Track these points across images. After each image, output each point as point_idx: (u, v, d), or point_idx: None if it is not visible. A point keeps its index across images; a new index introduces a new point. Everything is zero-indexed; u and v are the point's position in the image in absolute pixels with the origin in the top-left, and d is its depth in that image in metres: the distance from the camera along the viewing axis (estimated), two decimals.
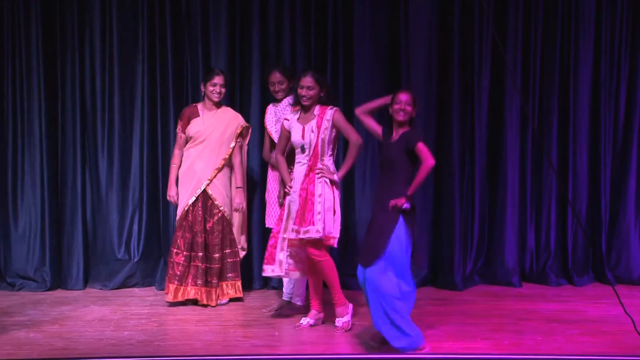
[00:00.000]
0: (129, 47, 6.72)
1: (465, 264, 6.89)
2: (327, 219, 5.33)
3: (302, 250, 5.47)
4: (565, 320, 5.74)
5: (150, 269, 6.78)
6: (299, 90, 5.46)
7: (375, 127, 5.23)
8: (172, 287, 6.10)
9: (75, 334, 5.36)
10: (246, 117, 6.52)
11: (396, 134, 5.05)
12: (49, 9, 6.62)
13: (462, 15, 6.78)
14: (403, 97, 5.02)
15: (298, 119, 5.52)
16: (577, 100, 6.96)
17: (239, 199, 6.15)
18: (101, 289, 6.65)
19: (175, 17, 6.70)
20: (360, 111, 5.29)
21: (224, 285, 6.17)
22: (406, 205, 4.86)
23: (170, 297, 6.09)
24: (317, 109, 5.47)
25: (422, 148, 4.90)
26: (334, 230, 5.38)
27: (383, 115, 5.26)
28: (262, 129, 6.32)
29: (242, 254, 6.30)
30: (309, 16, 6.75)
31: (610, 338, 5.29)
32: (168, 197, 6.20)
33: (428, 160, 4.87)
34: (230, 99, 6.64)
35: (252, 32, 6.70)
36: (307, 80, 5.42)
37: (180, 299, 6.09)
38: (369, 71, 6.75)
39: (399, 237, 4.87)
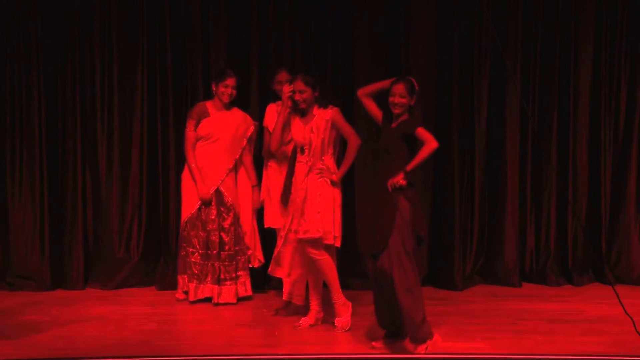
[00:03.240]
0: (128, 46, 6.71)
1: (465, 264, 6.90)
2: (326, 219, 5.34)
3: (302, 249, 5.48)
4: (565, 320, 5.74)
5: (150, 269, 6.78)
6: (293, 95, 5.46)
7: (376, 111, 5.17)
8: (192, 286, 6.15)
9: (75, 334, 5.37)
10: None
11: (395, 122, 5.02)
12: (49, 9, 6.61)
13: (462, 15, 6.77)
14: (397, 89, 4.96)
15: (300, 119, 5.52)
16: (577, 100, 6.96)
17: (257, 197, 6.21)
18: (101, 289, 6.65)
19: (175, 17, 6.70)
20: (361, 93, 5.24)
21: (236, 284, 6.20)
22: (403, 182, 4.82)
23: (191, 297, 6.14)
24: (316, 110, 5.47)
25: (423, 132, 4.87)
26: (334, 230, 5.38)
27: (381, 103, 5.21)
28: (260, 128, 6.33)
29: (258, 264, 6.32)
30: (309, 16, 6.75)
31: (610, 338, 5.29)
32: (204, 197, 6.09)
33: (432, 142, 4.84)
34: None
35: (252, 32, 6.70)
36: (298, 85, 5.42)
37: (200, 297, 6.14)
38: (369, 71, 6.74)
39: (404, 217, 4.84)
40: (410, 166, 4.86)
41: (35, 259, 6.66)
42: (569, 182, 6.98)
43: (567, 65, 6.94)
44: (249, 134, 6.24)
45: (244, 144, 6.22)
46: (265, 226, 6.13)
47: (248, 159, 6.28)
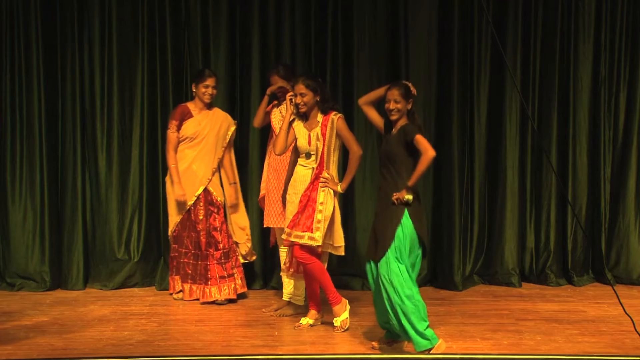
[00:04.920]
0: (129, 47, 6.71)
1: (465, 264, 6.90)
2: (324, 228, 5.34)
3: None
4: (565, 320, 5.75)
5: (150, 269, 6.78)
6: (294, 99, 5.46)
7: (377, 119, 5.16)
8: (186, 287, 6.23)
9: (75, 334, 5.37)
10: (246, 118, 6.55)
11: (395, 127, 5.00)
12: (48, 9, 6.60)
13: (462, 15, 6.77)
14: (391, 94, 4.93)
15: (304, 124, 5.52)
16: (577, 100, 6.96)
17: (235, 194, 6.25)
18: (101, 289, 6.66)
19: (176, 18, 6.70)
20: (362, 102, 5.23)
21: (234, 281, 6.22)
22: (408, 197, 4.82)
23: (186, 296, 6.22)
24: (319, 116, 5.46)
25: (420, 140, 4.84)
26: (333, 240, 5.42)
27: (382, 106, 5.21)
28: (262, 129, 6.35)
29: (253, 257, 6.41)
30: (309, 16, 6.75)
31: (609, 338, 5.30)
32: (179, 197, 6.13)
33: (428, 151, 4.81)
34: (231, 100, 6.65)
35: (252, 32, 6.70)
36: (299, 88, 5.41)
37: (195, 297, 6.20)
38: (368, 72, 6.75)
39: (406, 230, 4.83)
40: (411, 181, 4.83)
41: (35, 259, 6.65)
42: (569, 182, 6.98)
43: (567, 64, 6.94)
44: (230, 133, 6.28)
45: (226, 143, 6.26)
46: (265, 226, 6.13)
47: (228, 157, 6.30)
